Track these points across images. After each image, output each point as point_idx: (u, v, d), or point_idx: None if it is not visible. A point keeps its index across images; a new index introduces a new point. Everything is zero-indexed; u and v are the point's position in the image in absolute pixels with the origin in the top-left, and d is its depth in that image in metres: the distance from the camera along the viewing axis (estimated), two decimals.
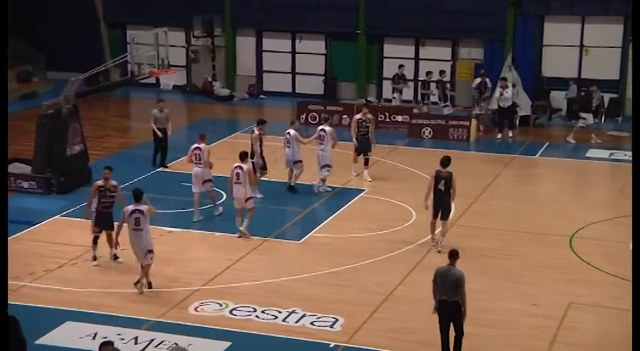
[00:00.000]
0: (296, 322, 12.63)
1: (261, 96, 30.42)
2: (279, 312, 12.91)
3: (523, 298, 13.42)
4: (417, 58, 28.84)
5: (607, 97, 26.40)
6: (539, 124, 24.53)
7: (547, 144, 23.68)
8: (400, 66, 26.52)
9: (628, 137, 24.50)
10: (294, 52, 30.17)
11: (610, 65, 26.66)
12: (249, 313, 12.87)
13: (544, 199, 18.85)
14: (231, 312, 12.95)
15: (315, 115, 25.65)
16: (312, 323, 12.59)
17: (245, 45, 30.61)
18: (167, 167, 20.71)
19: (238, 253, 15.32)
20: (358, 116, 19.62)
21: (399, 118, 25.35)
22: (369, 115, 19.76)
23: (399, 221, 17.03)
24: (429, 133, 24.15)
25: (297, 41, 30.05)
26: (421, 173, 20.49)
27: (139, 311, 12.93)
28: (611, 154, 22.79)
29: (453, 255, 11.30)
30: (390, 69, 29.06)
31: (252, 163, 17.72)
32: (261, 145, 18.31)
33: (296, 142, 18.43)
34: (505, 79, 24.52)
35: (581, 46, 27.10)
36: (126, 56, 21.07)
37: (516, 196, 19.14)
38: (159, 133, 20.63)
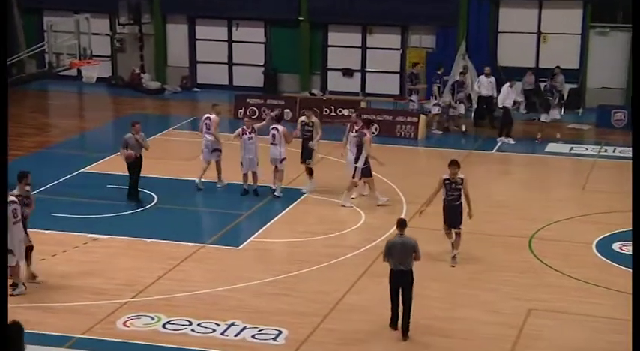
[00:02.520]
0: (235, 335, 12.57)
1: (195, 89, 30.23)
2: (217, 325, 12.83)
3: (481, 305, 13.58)
4: (364, 47, 28.98)
5: (567, 87, 26.85)
6: (495, 117, 24.87)
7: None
8: (415, 64, 25.98)
9: (589, 131, 25.00)
10: (230, 41, 30.05)
11: (569, 54, 27.15)
12: (184, 327, 12.76)
13: (502, 198, 19.11)
14: (164, 326, 12.83)
15: (255, 109, 25.58)
16: (253, 336, 12.55)
17: (176, 33, 30.38)
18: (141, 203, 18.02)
19: (171, 261, 15.19)
20: (302, 118, 19.40)
21: (346, 112, 25.44)
22: (314, 119, 19.31)
23: (347, 224, 17.08)
24: (376, 129, 24.29)
25: (233, 29, 29.94)
26: None
27: (60, 327, 12.73)
28: (572, 148, 23.23)
29: (402, 224, 12.49)
30: (335, 58, 29.17)
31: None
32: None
33: (284, 139, 18.46)
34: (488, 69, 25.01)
35: (539, 33, 27.55)
36: (43, 46, 20.75)
37: (473, 196, 19.26)
38: (131, 156, 17.67)
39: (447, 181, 15.04)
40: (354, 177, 18.09)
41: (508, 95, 23.74)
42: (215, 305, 13.51)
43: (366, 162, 17.98)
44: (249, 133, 18.43)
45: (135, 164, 17.80)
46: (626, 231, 16.71)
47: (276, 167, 18.59)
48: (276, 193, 18.54)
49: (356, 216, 17.54)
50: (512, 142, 23.62)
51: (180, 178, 19.74)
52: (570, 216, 17.65)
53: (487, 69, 25.12)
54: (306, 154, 19.02)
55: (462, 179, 15.13)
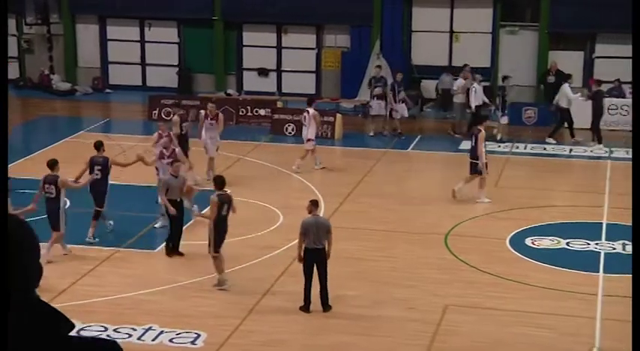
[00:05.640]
0: (153, 339, 12.46)
1: (107, 90, 29.76)
2: (134, 330, 12.69)
3: (399, 303, 13.76)
4: (279, 47, 29.01)
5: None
6: (410, 116, 25.19)
7: (419, 137, 24.35)
8: (377, 66, 25.32)
9: (500, 127, 25.47)
10: (143, 41, 29.69)
11: (481, 52, 27.70)
12: (99, 333, 12.56)
13: (418, 196, 19.38)
14: (78, 333, 12.62)
15: (169, 110, 25.33)
16: (171, 340, 12.46)
17: (87, 33, 29.86)
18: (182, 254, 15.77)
19: (85, 265, 14.94)
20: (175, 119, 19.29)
21: (262, 112, 25.44)
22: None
23: (265, 224, 17.08)
24: (293, 129, 24.36)
25: (146, 29, 29.60)
26: (287, 172, 20.65)
27: None
28: (485, 145, 23.61)
29: (316, 204, 13.43)
30: (250, 58, 29.12)
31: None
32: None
33: (313, 121, 20.35)
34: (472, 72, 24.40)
35: (451, 32, 28.03)
36: None
37: (389, 193, 19.60)
38: (171, 209, 15.21)
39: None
40: (480, 173, 18.44)
41: (476, 96, 23.79)
42: (132, 310, 13.36)
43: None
44: (166, 136, 18.14)
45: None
46: (538, 226, 17.22)
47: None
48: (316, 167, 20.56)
49: (274, 216, 17.56)
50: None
51: None
52: (484, 212, 18.02)
53: (479, 76, 24.47)
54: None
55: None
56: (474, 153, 18.71)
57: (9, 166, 20.74)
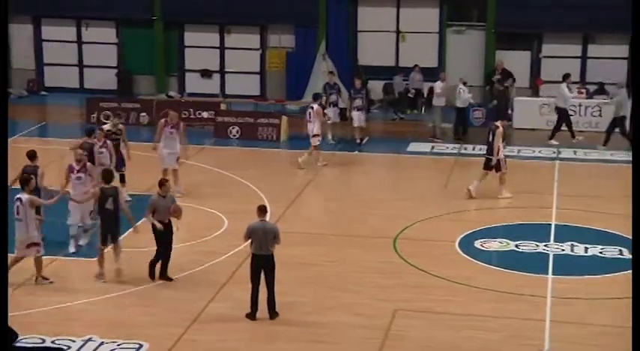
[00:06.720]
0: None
1: (43, 92, 29.47)
2: (73, 341, 12.59)
3: (348, 309, 13.86)
4: (222, 47, 29.00)
5: (426, 86, 27.69)
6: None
7: (366, 139, 24.54)
8: (330, 72, 25.35)
9: (450, 128, 25.81)
10: (80, 42, 29.49)
11: (428, 52, 28.02)
12: (36, 345, 12.45)
13: (366, 199, 19.53)
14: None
15: (109, 113, 25.16)
16: None
17: (21, 34, 29.51)
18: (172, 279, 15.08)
19: (20, 275, 14.76)
20: (106, 127, 18.97)
21: (205, 115, 25.41)
22: (121, 126, 18.84)
23: (209, 230, 17.07)
24: (237, 131, 24.39)
25: (83, 29, 29.38)
26: (233, 175, 20.67)
27: None
28: (433, 147, 23.98)
29: (264, 210, 13.33)
30: (192, 59, 29.07)
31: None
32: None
33: (317, 117, 21.35)
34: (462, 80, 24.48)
35: (397, 31, 28.30)
36: None
37: (336, 197, 19.72)
38: (158, 226, 14.58)
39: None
40: (497, 170, 19.08)
41: (461, 97, 24.01)
42: (71, 320, 13.26)
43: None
44: (101, 147, 17.86)
45: None
46: (487, 228, 17.49)
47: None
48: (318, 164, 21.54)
49: (218, 222, 17.56)
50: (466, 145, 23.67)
51: None
52: (433, 215, 18.24)
53: (464, 78, 24.62)
54: (119, 163, 18.40)
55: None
56: (489, 149, 19.11)
57: None
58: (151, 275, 14.77)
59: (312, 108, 21.60)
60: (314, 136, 21.44)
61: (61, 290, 14.40)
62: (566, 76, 24.48)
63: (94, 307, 13.80)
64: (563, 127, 24.01)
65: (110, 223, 14.77)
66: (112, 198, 14.69)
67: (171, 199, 14.81)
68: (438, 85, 24.47)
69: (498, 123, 19.35)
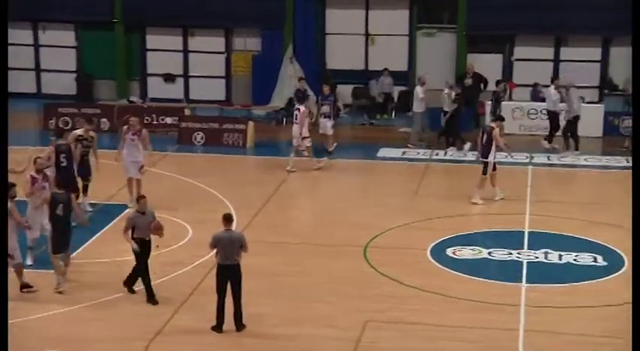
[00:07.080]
0: None
1: None
2: None
3: (317, 320, 13.67)
4: (185, 51, 28.75)
5: (396, 90, 27.60)
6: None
7: (335, 144, 24.38)
8: (301, 79, 25.21)
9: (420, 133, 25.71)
10: (37, 45, 29.15)
11: (398, 55, 27.94)
12: None
13: (335, 206, 19.36)
14: None
15: (68, 119, 24.79)
16: None
17: None
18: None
19: None
20: (78, 132, 18.68)
21: (169, 120, 25.14)
22: (92, 133, 18.56)
23: (173, 240, 16.79)
24: (202, 138, 24.16)
25: (40, 32, 29.04)
26: (197, 183, 20.42)
27: None
28: (404, 152, 23.87)
29: (229, 219, 13.11)
30: (155, 63, 28.78)
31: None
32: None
33: (304, 119, 21.33)
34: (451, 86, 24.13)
35: (367, 34, 28.21)
36: None
37: (304, 205, 19.56)
38: (134, 246, 14.15)
39: None
40: (493, 168, 19.24)
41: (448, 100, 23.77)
42: (28, 335, 12.96)
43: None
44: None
45: None
46: (459, 236, 17.38)
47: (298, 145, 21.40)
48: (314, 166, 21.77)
49: (182, 231, 17.30)
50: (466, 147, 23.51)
51: None
52: (404, 222, 18.10)
53: (450, 81, 24.35)
54: (84, 172, 18.15)
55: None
56: (485, 152, 19.17)
57: None
58: (129, 289, 14.43)
59: (299, 110, 21.50)
60: (304, 138, 21.36)
61: (18, 303, 14.05)
62: (554, 79, 24.53)
63: (51, 321, 13.51)
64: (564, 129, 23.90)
65: (60, 230, 14.43)
66: (62, 204, 14.38)
67: (152, 215, 14.21)
68: (420, 90, 23.95)
69: (494, 124, 19.53)
